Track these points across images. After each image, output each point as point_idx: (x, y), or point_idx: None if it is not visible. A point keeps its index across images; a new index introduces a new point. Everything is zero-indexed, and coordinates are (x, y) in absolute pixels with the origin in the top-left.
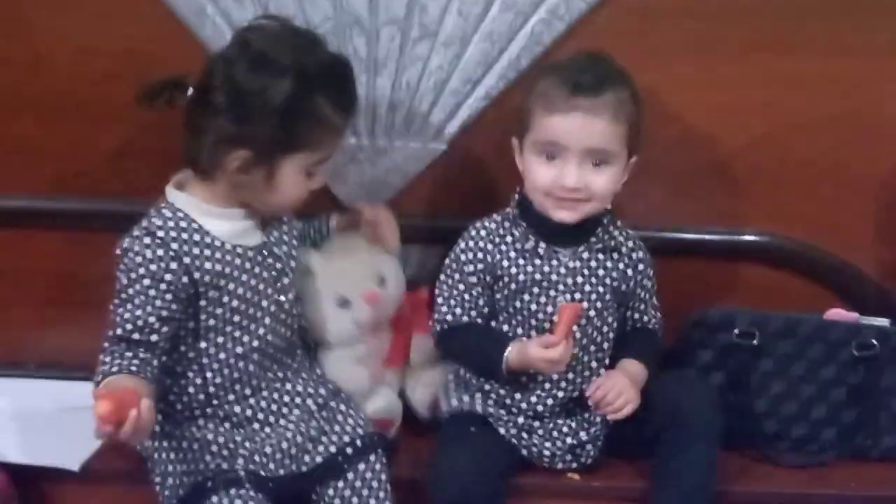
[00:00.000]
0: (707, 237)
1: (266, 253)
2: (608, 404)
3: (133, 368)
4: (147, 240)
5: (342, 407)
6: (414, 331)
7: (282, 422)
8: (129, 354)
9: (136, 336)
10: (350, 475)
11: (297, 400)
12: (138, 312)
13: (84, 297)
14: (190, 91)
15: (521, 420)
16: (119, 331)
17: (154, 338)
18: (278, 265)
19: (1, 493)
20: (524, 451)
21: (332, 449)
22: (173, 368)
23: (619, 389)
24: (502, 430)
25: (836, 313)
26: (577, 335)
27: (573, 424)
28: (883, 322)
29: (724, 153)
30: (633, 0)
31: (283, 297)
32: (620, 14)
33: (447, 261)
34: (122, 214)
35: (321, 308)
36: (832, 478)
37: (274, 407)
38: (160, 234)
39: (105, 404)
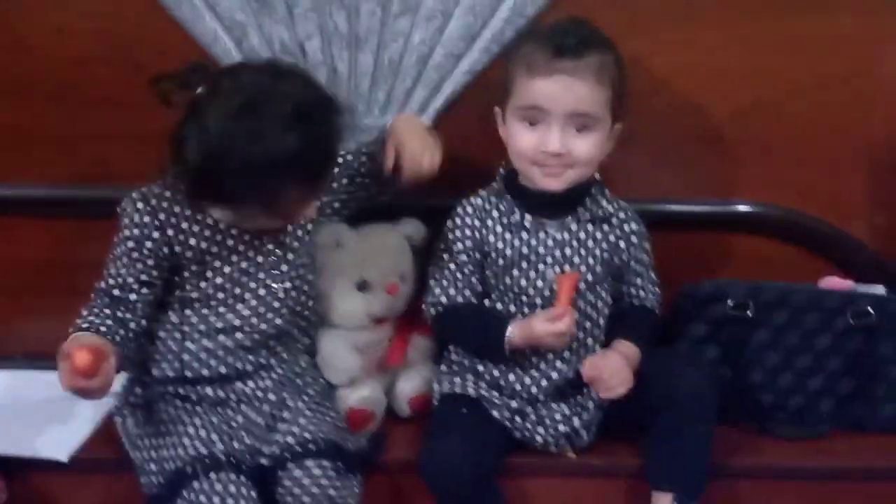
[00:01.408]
0: (698, 208)
1: (266, 238)
2: (603, 384)
3: (103, 329)
4: (140, 204)
5: (312, 404)
6: (414, 331)
7: (254, 407)
8: (108, 311)
9: (116, 292)
10: (297, 472)
11: (272, 389)
12: (122, 270)
13: (70, 285)
14: (199, 90)
15: (514, 404)
16: (103, 284)
17: (132, 297)
18: (279, 251)
19: None
20: (517, 434)
21: (288, 440)
22: (157, 333)
23: (613, 369)
24: (495, 413)
25: (831, 282)
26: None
27: (567, 411)
28: (879, 290)
29: (714, 121)
30: None
31: (276, 285)
32: None
33: (438, 242)
34: (106, 200)
35: (338, 285)
36: (830, 449)
37: (248, 390)
38: (153, 201)
39: (85, 356)
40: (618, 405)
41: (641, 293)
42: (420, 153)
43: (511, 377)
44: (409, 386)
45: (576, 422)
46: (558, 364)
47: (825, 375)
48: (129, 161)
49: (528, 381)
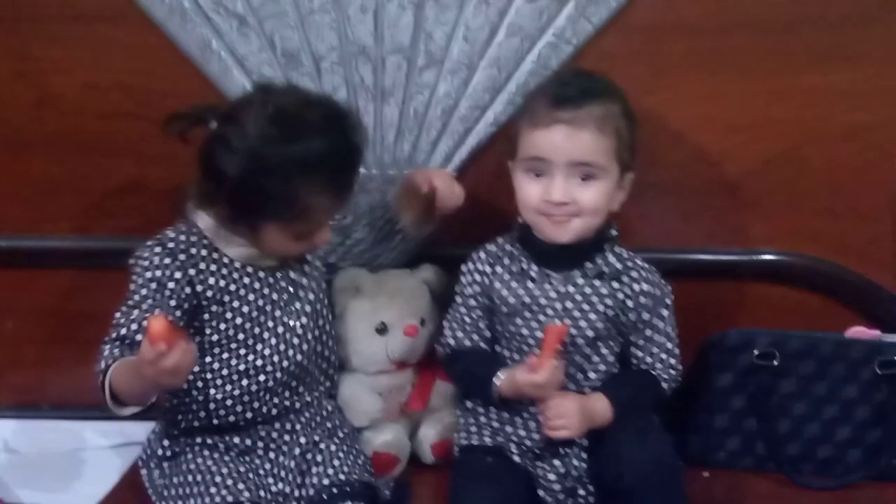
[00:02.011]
0: (723, 258)
1: (280, 276)
2: (545, 419)
3: (128, 354)
4: (157, 249)
5: (343, 446)
6: (436, 377)
7: (282, 454)
8: (130, 352)
9: (138, 337)
10: None
11: (301, 432)
12: (146, 315)
13: (95, 335)
14: (213, 125)
15: (528, 454)
16: (123, 331)
17: None
18: (291, 289)
19: None
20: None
21: (324, 482)
22: None
23: (562, 412)
24: (517, 459)
25: (858, 331)
26: (566, 365)
27: (562, 469)
28: None
29: (738, 171)
30: (639, 20)
31: (292, 322)
32: (627, 35)
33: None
34: (131, 251)
35: (358, 329)
36: (859, 499)
37: (275, 435)
38: (170, 245)
39: (159, 323)
40: (601, 475)
41: (648, 359)
42: (450, 180)
43: (508, 429)
44: (431, 432)
45: (569, 481)
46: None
47: (853, 425)
48: (158, 213)
49: (523, 433)
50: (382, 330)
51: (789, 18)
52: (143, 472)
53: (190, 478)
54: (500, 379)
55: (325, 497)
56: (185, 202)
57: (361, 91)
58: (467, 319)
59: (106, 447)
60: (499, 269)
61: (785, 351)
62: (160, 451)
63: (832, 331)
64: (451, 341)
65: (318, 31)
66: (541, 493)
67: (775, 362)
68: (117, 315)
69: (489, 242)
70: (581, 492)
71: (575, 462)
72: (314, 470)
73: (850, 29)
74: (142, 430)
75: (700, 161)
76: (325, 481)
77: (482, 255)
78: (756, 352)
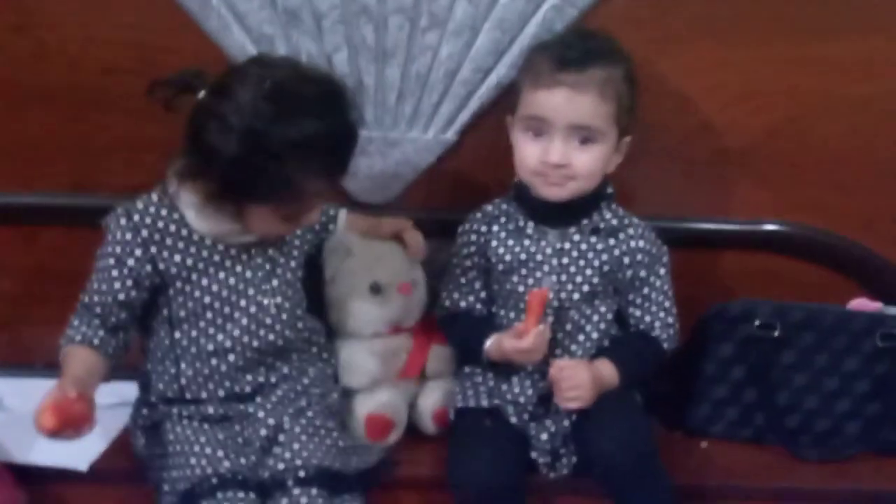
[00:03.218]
0: (727, 227)
1: (255, 252)
2: (559, 390)
3: (95, 342)
4: (122, 220)
5: (309, 428)
6: (432, 342)
7: (253, 428)
8: (97, 323)
9: (97, 310)
10: (284, 501)
11: (271, 412)
12: (103, 287)
13: None
14: (201, 94)
15: (524, 415)
16: (87, 299)
17: (113, 319)
18: (267, 266)
19: (10, 493)
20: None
21: (279, 466)
22: (154, 352)
23: (576, 382)
24: (513, 420)
25: (860, 303)
26: (559, 321)
27: (552, 428)
28: None
29: (743, 140)
30: None
31: (266, 300)
32: (633, 0)
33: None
34: None
35: (352, 291)
36: (857, 472)
37: (250, 411)
38: (136, 217)
39: (49, 419)
40: (583, 438)
41: (647, 318)
42: (418, 235)
43: (504, 387)
44: (430, 400)
45: (557, 440)
46: (545, 375)
47: (852, 398)
48: (155, 170)
49: (517, 391)
50: (377, 290)
51: None
52: (132, 439)
53: (170, 448)
54: (488, 344)
55: (279, 481)
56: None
57: (363, 51)
58: (463, 280)
59: (100, 406)
60: (495, 228)
61: (786, 322)
62: (140, 421)
63: (834, 303)
64: (447, 303)
65: None
66: (533, 454)
67: (776, 333)
68: (91, 275)
69: (487, 203)
70: (563, 450)
71: (564, 423)
72: (275, 451)
73: None
74: (135, 390)
75: (705, 129)
76: (280, 465)
77: (478, 215)
78: (757, 322)
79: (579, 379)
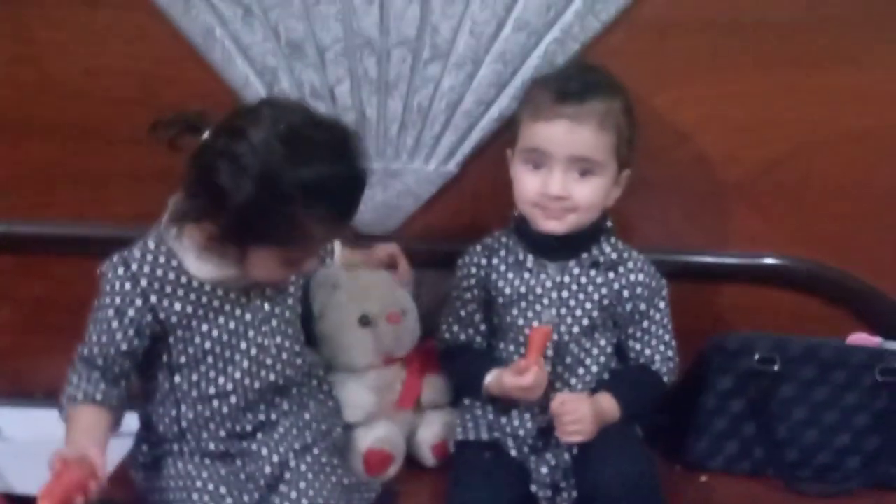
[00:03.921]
0: (725, 260)
1: (253, 295)
2: (561, 423)
3: (98, 397)
4: (120, 269)
5: (315, 466)
6: (427, 372)
7: (257, 466)
8: (97, 376)
9: (99, 362)
10: None
11: (275, 449)
12: (103, 338)
13: None
14: (206, 135)
15: (524, 448)
16: (86, 351)
17: (116, 370)
18: (266, 306)
19: None
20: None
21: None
22: (153, 395)
23: (578, 416)
24: (513, 453)
25: (859, 338)
26: (559, 355)
27: (553, 461)
28: None
29: (743, 173)
30: (647, 18)
31: (266, 341)
32: (635, 33)
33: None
34: (131, 240)
35: (341, 324)
36: None
37: (253, 447)
38: (133, 266)
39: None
40: (583, 471)
41: (647, 352)
42: (406, 263)
43: (503, 420)
44: (429, 432)
45: (557, 474)
46: (545, 408)
47: (852, 432)
48: (158, 199)
49: (517, 423)
50: (366, 322)
51: (797, 19)
52: (131, 471)
53: (172, 483)
54: (488, 380)
55: None
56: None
57: (365, 83)
58: (462, 314)
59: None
60: (495, 260)
61: (786, 356)
62: (141, 458)
63: (833, 337)
64: (447, 335)
65: (323, 21)
66: (533, 487)
67: (776, 367)
68: (89, 326)
69: (487, 236)
70: (563, 484)
71: (566, 456)
72: (281, 489)
73: (859, 31)
74: (136, 422)
75: (703, 161)
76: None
77: (479, 248)
78: (757, 356)
79: (581, 413)
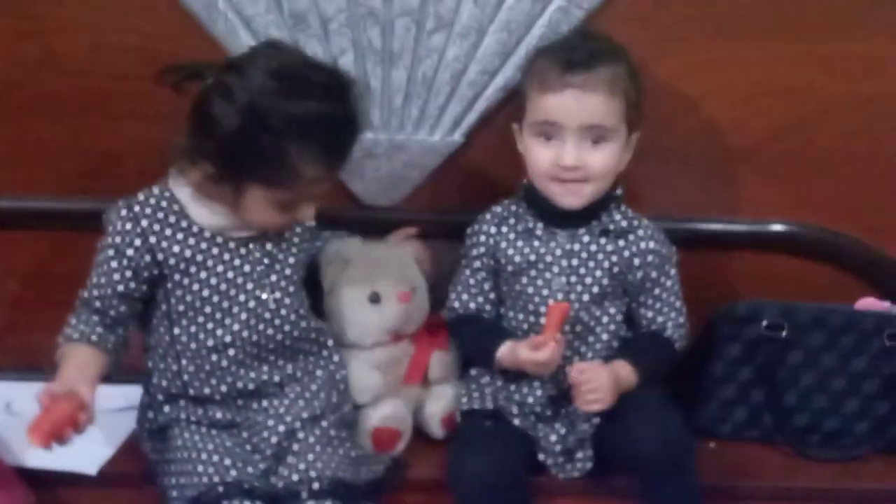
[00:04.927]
0: (733, 227)
1: (254, 247)
2: (579, 392)
3: (94, 338)
4: (123, 211)
5: (324, 438)
6: (434, 347)
7: (262, 439)
8: (96, 319)
9: (97, 304)
10: None
11: (283, 417)
12: (102, 280)
13: None
14: (209, 81)
15: (530, 416)
16: (86, 294)
17: (112, 313)
18: (266, 260)
19: (20, 497)
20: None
21: (293, 478)
22: (155, 350)
23: (597, 384)
24: (517, 422)
25: (868, 303)
26: (569, 323)
27: (563, 430)
28: None
29: (750, 140)
30: None
31: (265, 295)
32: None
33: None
34: None
35: (350, 300)
36: (866, 472)
37: (258, 415)
38: (136, 208)
39: (35, 441)
40: (603, 437)
41: (659, 319)
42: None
43: (512, 388)
44: (438, 406)
45: (570, 440)
46: (559, 377)
47: (861, 397)
48: (161, 176)
49: (526, 390)
50: (375, 299)
51: None
52: (141, 443)
53: (177, 454)
54: (502, 351)
55: (293, 492)
56: (168, 162)
57: (369, 54)
58: (472, 282)
59: (108, 410)
60: (504, 229)
61: (794, 322)
62: (147, 424)
63: (842, 303)
64: (457, 304)
65: None
66: (541, 456)
67: (784, 334)
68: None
69: (496, 205)
70: (579, 454)
71: (584, 426)
72: (289, 460)
73: None
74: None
75: (711, 129)
76: (295, 476)
77: (487, 216)
78: (765, 323)
79: (600, 381)
